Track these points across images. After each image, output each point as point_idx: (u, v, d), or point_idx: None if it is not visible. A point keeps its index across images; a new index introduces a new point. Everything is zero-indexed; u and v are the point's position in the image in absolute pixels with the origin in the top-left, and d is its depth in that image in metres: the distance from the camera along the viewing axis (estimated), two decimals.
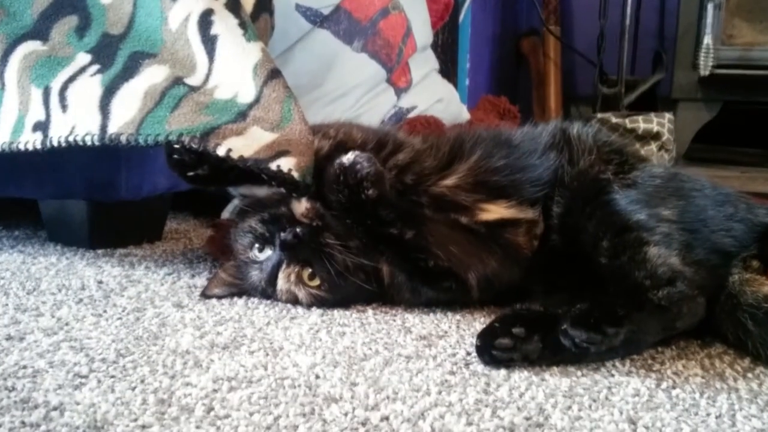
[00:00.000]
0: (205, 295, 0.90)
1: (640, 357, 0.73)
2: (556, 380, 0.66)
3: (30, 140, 0.97)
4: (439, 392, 0.62)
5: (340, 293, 0.85)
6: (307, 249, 0.82)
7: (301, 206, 0.85)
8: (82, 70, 0.97)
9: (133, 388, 0.61)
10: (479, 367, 0.68)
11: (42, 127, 0.96)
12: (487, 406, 0.60)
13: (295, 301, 0.86)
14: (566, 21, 2.91)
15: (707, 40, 2.34)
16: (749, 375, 0.69)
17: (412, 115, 1.54)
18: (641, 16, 2.77)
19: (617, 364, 0.70)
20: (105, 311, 0.82)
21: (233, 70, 0.94)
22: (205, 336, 0.75)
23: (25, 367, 0.65)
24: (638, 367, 0.70)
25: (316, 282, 0.84)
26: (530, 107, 2.85)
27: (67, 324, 0.77)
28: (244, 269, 0.88)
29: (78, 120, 0.94)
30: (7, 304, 0.84)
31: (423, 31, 1.63)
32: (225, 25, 0.96)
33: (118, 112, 0.92)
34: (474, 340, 0.72)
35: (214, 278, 0.90)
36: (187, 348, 0.71)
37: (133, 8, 1.00)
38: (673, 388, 0.65)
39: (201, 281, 0.97)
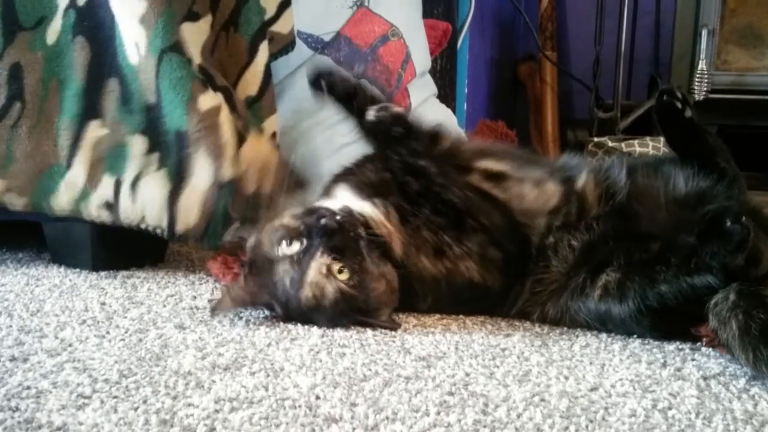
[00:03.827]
0: (216, 310, 0.89)
1: (637, 378, 0.74)
2: (554, 400, 0.67)
3: (97, 215, 1.10)
4: (438, 413, 0.63)
5: (365, 292, 0.86)
6: (342, 238, 0.85)
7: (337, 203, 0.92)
8: (148, 164, 1.08)
9: (136, 409, 0.62)
10: (478, 388, 0.69)
11: (110, 208, 1.09)
12: (485, 426, 0.61)
13: (321, 296, 0.84)
14: (563, 47, 2.96)
15: (702, 65, 2.38)
16: (744, 396, 0.70)
17: None
18: (636, 42, 2.82)
19: (615, 384, 0.71)
20: (108, 332, 0.83)
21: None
22: (207, 357, 0.75)
23: (28, 387, 0.66)
24: (635, 388, 0.71)
25: (345, 275, 0.85)
26: (527, 132, 2.88)
27: (70, 345, 0.78)
28: (266, 272, 0.87)
29: (147, 214, 1.09)
30: (11, 326, 0.85)
31: (422, 58, 1.66)
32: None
33: (182, 216, 1.07)
34: (472, 362, 0.72)
35: (225, 295, 0.90)
36: (189, 369, 0.72)
37: (156, 78, 1.06)
38: (669, 408, 0.66)
39: (203, 303, 0.98)
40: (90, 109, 1.07)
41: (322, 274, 0.84)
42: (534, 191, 0.96)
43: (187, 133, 1.04)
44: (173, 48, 1.04)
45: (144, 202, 1.07)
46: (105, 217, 1.09)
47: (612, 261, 0.88)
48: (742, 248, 0.79)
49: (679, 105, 0.97)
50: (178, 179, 1.06)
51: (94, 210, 1.09)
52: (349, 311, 0.86)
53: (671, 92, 0.98)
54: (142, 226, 1.09)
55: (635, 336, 0.88)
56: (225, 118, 1.06)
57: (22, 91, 1.07)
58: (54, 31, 1.08)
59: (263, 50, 1.17)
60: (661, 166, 1.00)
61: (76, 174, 1.07)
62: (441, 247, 0.92)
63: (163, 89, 1.04)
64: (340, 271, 0.85)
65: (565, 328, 0.92)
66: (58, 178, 1.07)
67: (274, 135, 1.20)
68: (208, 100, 1.05)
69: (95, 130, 1.08)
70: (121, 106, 1.07)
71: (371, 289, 0.86)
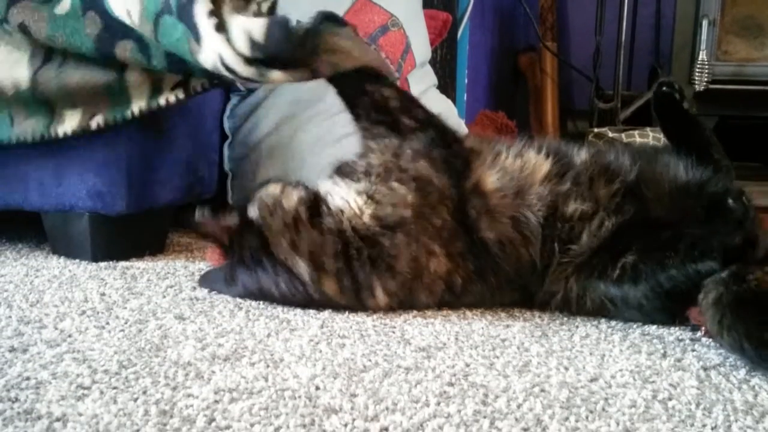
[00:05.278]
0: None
1: (637, 368, 0.74)
2: (554, 391, 0.67)
3: (171, 96, 1.08)
4: (438, 403, 0.63)
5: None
6: None
7: None
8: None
9: (136, 399, 0.62)
10: (478, 379, 0.69)
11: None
12: (485, 417, 0.61)
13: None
14: (563, 37, 2.95)
15: (702, 55, 2.37)
16: (744, 387, 0.70)
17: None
18: (637, 33, 2.81)
19: (615, 375, 0.71)
20: (107, 323, 0.83)
21: None
22: (207, 348, 0.75)
23: (28, 378, 0.66)
24: (635, 379, 0.71)
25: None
26: (528, 122, 2.87)
27: (70, 336, 0.78)
28: None
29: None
30: (10, 317, 0.84)
31: (422, 48, 1.65)
32: None
33: None
34: (472, 352, 0.72)
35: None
36: (188, 359, 0.72)
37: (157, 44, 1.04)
38: (670, 399, 0.66)
39: (202, 293, 0.98)
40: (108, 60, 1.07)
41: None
42: (516, 161, 0.96)
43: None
44: (167, 9, 1.01)
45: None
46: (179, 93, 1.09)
47: (632, 246, 0.89)
48: (742, 226, 0.84)
49: (677, 96, 0.99)
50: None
51: (167, 93, 1.09)
52: None
53: (670, 84, 1.01)
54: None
55: (636, 325, 0.89)
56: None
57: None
58: (64, 6, 1.06)
59: None
60: (660, 156, 1.01)
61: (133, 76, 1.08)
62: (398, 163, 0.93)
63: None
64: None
65: (566, 319, 0.92)
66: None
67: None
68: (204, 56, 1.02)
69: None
70: (138, 52, 1.05)
71: None
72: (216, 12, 0.95)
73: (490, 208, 0.92)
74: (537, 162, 0.96)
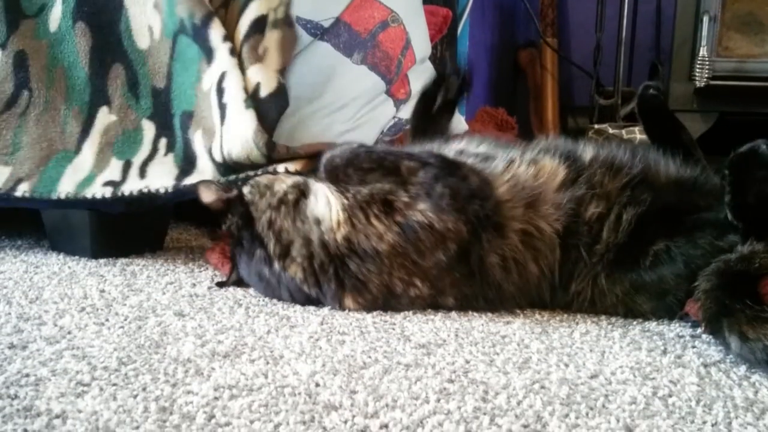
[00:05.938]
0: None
1: (637, 365, 0.73)
2: (554, 387, 0.67)
3: (99, 192, 1.07)
4: (438, 400, 0.63)
5: None
6: None
7: None
8: (155, 149, 1.08)
9: (135, 396, 0.62)
10: (478, 375, 0.69)
11: (114, 184, 1.08)
12: (485, 413, 0.61)
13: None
14: (563, 33, 2.94)
15: (703, 52, 2.36)
16: (745, 383, 0.70)
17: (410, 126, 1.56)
18: (637, 29, 2.80)
19: (616, 372, 0.71)
20: (107, 320, 0.83)
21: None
22: (206, 344, 0.75)
23: (27, 375, 0.66)
24: (635, 375, 0.71)
25: None
26: (528, 118, 2.87)
27: (69, 333, 0.78)
28: None
29: (153, 183, 1.07)
30: (9, 313, 0.84)
31: (422, 44, 1.64)
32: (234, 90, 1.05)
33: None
34: (472, 349, 0.72)
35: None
36: (188, 356, 0.72)
37: (170, 60, 1.05)
38: (670, 396, 0.66)
39: (202, 290, 0.98)
40: (99, 96, 1.07)
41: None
42: (530, 169, 0.92)
43: (192, 113, 1.04)
44: (183, 30, 1.03)
45: (153, 177, 1.07)
46: (107, 192, 1.07)
47: (660, 234, 0.89)
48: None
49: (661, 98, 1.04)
50: (186, 163, 1.05)
51: (98, 188, 1.07)
52: None
53: (656, 87, 1.06)
54: (144, 191, 1.06)
55: (636, 321, 0.89)
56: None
57: (28, 79, 1.07)
58: (55, 17, 1.07)
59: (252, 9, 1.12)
60: (649, 153, 1.01)
61: (85, 158, 1.08)
62: (386, 198, 0.87)
63: (175, 72, 1.04)
64: None
65: (566, 315, 0.92)
66: (65, 162, 1.07)
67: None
68: (209, 77, 1.04)
69: (105, 117, 1.08)
70: (128, 91, 1.07)
71: None
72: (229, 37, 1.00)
73: (496, 222, 0.87)
74: (551, 168, 0.93)
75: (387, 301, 0.89)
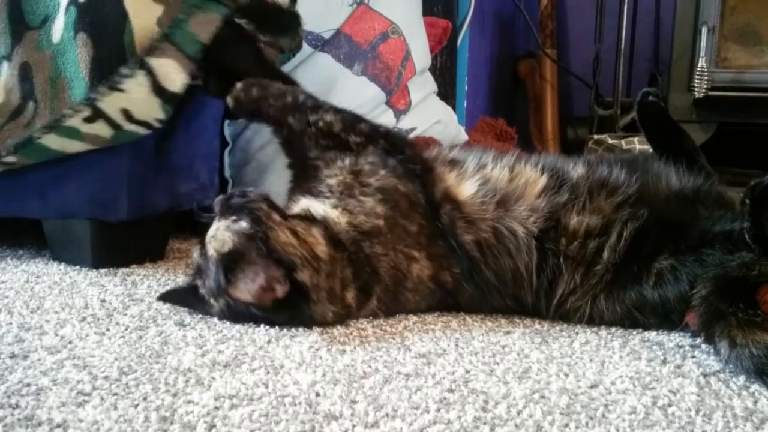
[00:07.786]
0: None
1: (637, 375, 0.74)
2: (554, 397, 0.67)
3: None
4: (438, 410, 0.63)
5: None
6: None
7: None
8: None
9: (136, 406, 0.62)
10: (478, 385, 0.69)
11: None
12: (485, 423, 0.61)
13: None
14: (563, 44, 2.96)
15: (702, 62, 2.37)
16: (744, 393, 0.70)
17: (411, 136, 1.57)
18: (636, 40, 2.82)
19: (615, 381, 0.71)
20: (108, 330, 0.83)
21: None
22: (207, 354, 0.75)
23: (29, 384, 0.66)
24: (635, 385, 0.71)
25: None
26: (527, 129, 2.88)
27: (70, 342, 0.78)
28: None
29: None
30: (11, 323, 0.85)
31: (422, 55, 1.66)
32: None
33: None
34: (472, 359, 0.72)
35: None
36: (189, 366, 0.72)
37: None
38: (669, 405, 0.66)
39: None
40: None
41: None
42: (503, 173, 0.96)
43: None
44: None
45: None
46: None
47: (662, 249, 0.89)
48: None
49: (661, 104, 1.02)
50: None
51: None
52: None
53: (656, 94, 1.03)
54: None
55: (636, 331, 0.89)
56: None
57: (33, 90, 1.07)
58: (58, 28, 1.08)
59: None
60: (649, 164, 1.01)
61: None
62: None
63: None
64: None
65: (566, 325, 0.92)
66: None
67: None
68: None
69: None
70: None
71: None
72: None
73: (465, 214, 0.93)
74: (532, 177, 0.95)
75: (397, 288, 0.91)
